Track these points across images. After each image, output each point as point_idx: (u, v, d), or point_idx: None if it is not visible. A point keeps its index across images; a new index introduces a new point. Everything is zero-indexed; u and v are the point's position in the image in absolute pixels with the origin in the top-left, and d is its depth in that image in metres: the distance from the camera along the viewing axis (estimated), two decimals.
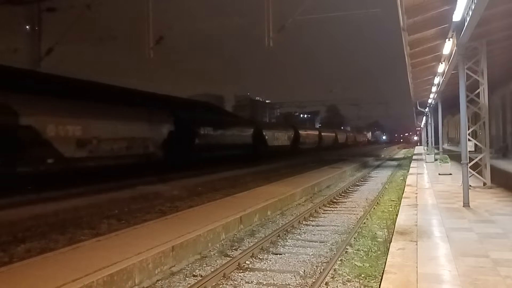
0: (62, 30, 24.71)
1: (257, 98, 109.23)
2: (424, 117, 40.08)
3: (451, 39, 10.58)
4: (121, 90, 24.54)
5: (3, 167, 13.18)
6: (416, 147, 69.84)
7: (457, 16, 8.26)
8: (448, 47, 11.24)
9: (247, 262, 7.04)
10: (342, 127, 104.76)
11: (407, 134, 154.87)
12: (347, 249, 7.61)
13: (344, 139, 74.32)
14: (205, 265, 6.96)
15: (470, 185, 9.93)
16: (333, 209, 12.26)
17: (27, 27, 27.71)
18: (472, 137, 11.63)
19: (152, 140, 20.72)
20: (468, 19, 7.89)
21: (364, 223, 9.88)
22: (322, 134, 57.51)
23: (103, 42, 28.42)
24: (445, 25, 10.19)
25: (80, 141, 16.12)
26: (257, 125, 36.60)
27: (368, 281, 5.91)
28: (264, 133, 35.87)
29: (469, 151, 10.09)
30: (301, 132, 47.30)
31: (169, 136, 21.84)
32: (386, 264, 5.38)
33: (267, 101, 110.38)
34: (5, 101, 13.53)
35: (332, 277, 6.13)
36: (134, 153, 19.22)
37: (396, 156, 47.69)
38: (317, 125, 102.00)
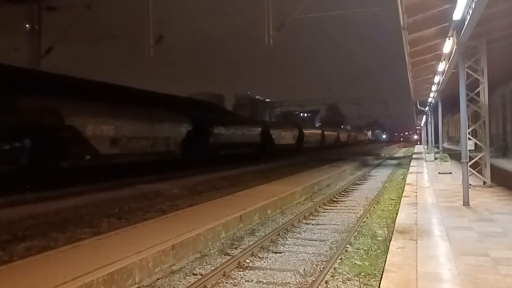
0: (62, 29, 24.71)
1: (257, 97, 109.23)
2: (424, 116, 40.10)
3: (451, 37, 10.58)
4: (140, 92, 26.42)
5: (49, 163, 14.83)
6: (416, 146, 69.89)
7: (457, 15, 8.26)
8: (448, 46, 11.24)
9: (247, 260, 7.05)
10: (342, 126, 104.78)
11: (407, 133, 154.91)
12: (347, 247, 7.61)
13: (345, 138, 75.74)
14: (205, 264, 6.96)
15: (470, 184, 9.94)
16: (333, 208, 12.26)
17: (27, 26, 27.69)
18: (472, 136, 11.63)
19: (173, 139, 22.40)
20: (468, 18, 7.90)
21: (364, 222, 9.88)
22: (325, 133, 58.93)
23: (102, 41, 28.37)
24: (445, 24, 10.18)
25: (113, 139, 17.81)
26: (265, 124, 38.27)
27: (368, 280, 5.91)
28: (271, 132, 37.34)
29: (469, 150, 10.09)
30: (305, 131, 48.64)
31: (187, 135, 23.52)
32: (386, 262, 5.39)
33: (267, 100, 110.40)
34: (53, 104, 15.27)
35: (332, 276, 6.14)
36: (157, 151, 20.93)
37: (396, 155, 47.72)
38: (317, 124, 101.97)
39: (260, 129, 35.67)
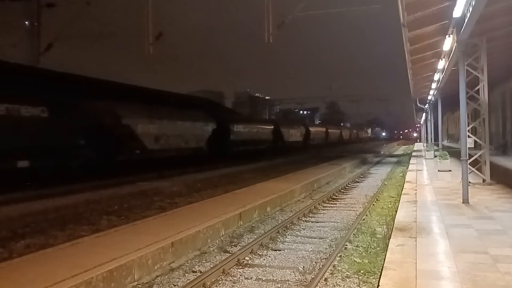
0: (62, 26, 24.66)
1: (257, 94, 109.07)
2: (424, 114, 40.08)
3: (451, 35, 10.56)
4: (171, 94, 30.58)
5: (108, 156, 17.74)
6: (415, 143, 69.91)
7: (457, 13, 8.25)
8: (448, 43, 11.22)
9: (246, 258, 7.05)
10: (342, 124, 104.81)
11: (406, 130, 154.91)
12: (346, 245, 7.62)
13: (348, 135, 78.77)
14: (204, 261, 6.96)
15: (469, 182, 9.93)
16: (332, 205, 12.27)
17: (26, 22, 27.63)
18: (471, 134, 11.62)
19: (201, 137, 25.80)
20: (468, 15, 7.88)
21: (364, 219, 9.89)
22: (329, 131, 61.66)
23: (102, 38, 28.34)
24: (445, 22, 10.17)
25: (156, 137, 20.85)
26: (276, 123, 41.39)
27: (367, 277, 5.92)
28: (281, 130, 40.04)
29: (468, 148, 10.09)
30: (311, 129, 51.51)
31: (212, 133, 26.71)
32: (385, 260, 5.39)
33: (266, 98, 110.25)
34: (112, 107, 18.32)
35: (331, 273, 6.14)
36: (189, 147, 24.21)
37: (396, 153, 47.74)
38: (317, 122, 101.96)
39: (272, 127, 38.68)
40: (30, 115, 14.08)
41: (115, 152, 18.25)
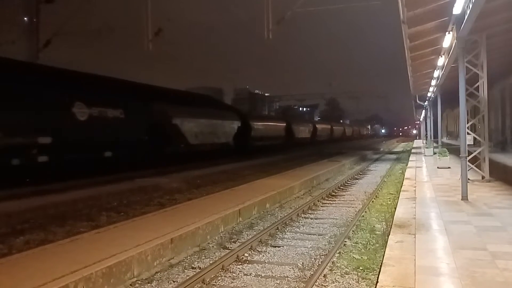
0: (60, 22, 24.61)
1: (256, 91, 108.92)
2: (423, 111, 40.06)
3: (451, 32, 10.54)
4: (200, 96, 35.67)
5: (160, 149, 21.19)
6: (415, 140, 69.94)
7: (457, 9, 8.22)
8: (448, 40, 11.20)
9: (245, 254, 7.06)
10: (341, 121, 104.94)
11: (406, 127, 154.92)
12: (345, 242, 7.63)
13: (350, 132, 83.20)
14: (204, 257, 6.97)
15: (468, 179, 9.94)
16: (331, 202, 12.28)
17: (25, 18, 27.57)
18: (471, 131, 11.63)
19: (229, 133, 29.68)
20: (468, 12, 7.86)
21: (363, 216, 9.90)
22: (333, 128, 65.87)
23: (101, 34, 28.29)
24: (445, 18, 10.15)
25: (196, 133, 24.73)
26: (288, 121, 44.68)
27: (366, 274, 5.93)
28: (292, 128, 43.55)
29: (468, 145, 10.09)
30: (318, 126, 55.64)
31: (237, 130, 30.60)
32: (384, 256, 5.40)
33: (266, 94, 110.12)
34: (165, 109, 22.14)
35: (330, 270, 6.15)
36: (220, 142, 28.10)
37: (395, 150, 47.74)
38: (316, 118, 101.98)
39: (285, 124, 42.19)
40: (112, 116, 17.82)
41: (165, 145, 21.98)
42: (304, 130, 48.56)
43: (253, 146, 32.50)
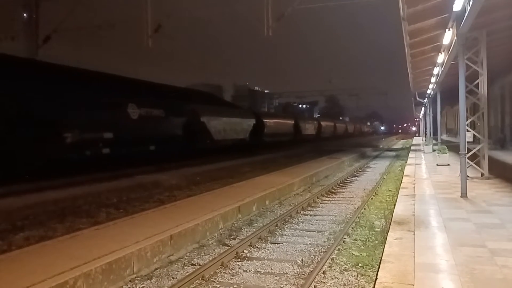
0: (60, 18, 24.53)
1: (256, 88, 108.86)
2: (423, 108, 40.05)
3: (451, 29, 10.53)
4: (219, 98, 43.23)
5: (191, 144, 24.19)
6: (414, 137, 70.00)
7: (457, 6, 8.21)
8: (448, 37, 11.19)
9: (245, 251, 7.07)
10: (341, 118, 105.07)
11: (405, 124, 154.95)
12: (344, 238, 7.64)
13: (352, 129, 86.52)
14: (203, 254, 6.98)
15: (468, 176, 9.95)
16: (331, 199, 12.29)
17: (24, 14, 27.47)
18: (470, 128, 11.63)
19: (246, 130, 32.70)
20: (468, 8, 7.85)
21: (362, 213, 9.91)
22: (336, 125, 69.18)
23: (100, 31, 28.20)
24: (445, 15, 10.14)
25: (220, 130, 27.73)
26: (296, 118, 47.91)
27: (365, 270, 5.94)
28: (299, 124, 46.34)
29: (467, 142, 10.10)
30: (322, 123, 58.51)
31: (253, 127, 33.62)
32: (384, 253, 5.41)
33: (266, 91, 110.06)
34: (195, 108, 25.20)
35: (329, 266, 6.16)
36: (239, 138, 31.24)
37: (395, 147, 47.77)
38: (316, 115, 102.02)
39: (293, 122, 45.09)
40: (156, 115, 20.70)
41: (195, 141, 24.77)
42: (310, 127, 51.54)
43: (266, 142, 35.70)
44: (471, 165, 11.84)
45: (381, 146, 46.77)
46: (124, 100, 18.84)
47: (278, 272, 6.07)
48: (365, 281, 5.54)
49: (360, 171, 19.81)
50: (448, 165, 16.42)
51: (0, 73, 14.26)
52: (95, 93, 17.53)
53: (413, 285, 4.26)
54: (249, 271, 6.10)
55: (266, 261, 6.57)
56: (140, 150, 19.78)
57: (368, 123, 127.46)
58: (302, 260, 6.58)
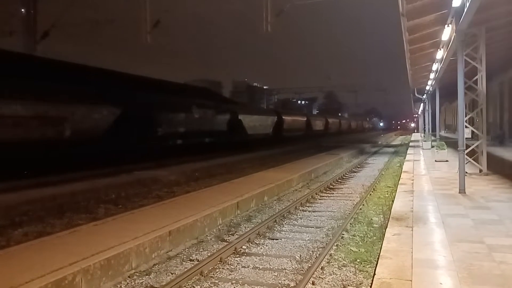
0: (58, 14, 24.43)
1: (255, 84, 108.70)
2: (422, 104, 40.09)
3: (450, 25, 10.51)
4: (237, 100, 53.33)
5: (232, 137, 29.65)
6: (413, 134, 70.05)
7: (456, 2, 8.20)
8: (447, 33, 11.18)
9: (243, 247, 7.09)
10: (340, 114, 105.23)
11: (404, 121, 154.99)
12: (343, 234, 7.65)
13: (355, 125, 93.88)
14: (202, 250, 6.99)
15: (466, 172, 9.97)
16: (329, 195, 12.30)
17: (22, 10, 27.36)
18: (469, 124, 11.64)
19: (270, 126, 38.49)
20: (467, 4, 7.83)
21: (360, 209, 9.93)
22: (341, 121, 77.07)
23: (99, 26, 28.13)
24: (445, 11, 10.12)
25: (252, 126, 33.43)
26: (307, 115, 55.26)
27: (363, 266, 5.96)
28: (311, 121, 52.53)
29: (466, 138, 10.11)
30: (329, 120, 64.82)
31: (275, 123, 39.38)
32: (382, 249, 5.42)
33: (264, 87, 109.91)
34: (234, 108, 31.87)
35: (328, 262, 6.18)
36: (265, 133, 36.98)
37: (393, 143, 47.82)
38: (314, 112, 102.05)
39: (305, 119, 51.12)
40: (209, 114, 27.05)
41: (234, 135, 30.20)
42: (319, 123, 58.07)
43: (285, 137, 40.61)
44: (469, 161, 11.86)
45: (380, 142, 46.80)
46: (190, 103, 25.51)
47: (276, 267, 6.09)
48: (363, 277, 5.56)
49: (358, 167, 19.83)
50: (447, 161, 16.44)
51: (140, 92, 21.69)
52: (173, 98, 24.82)
53: (411, 280, 4.27)
54: (248, 267, 6.12)
55: (264, 256, 6.59)
56: (199, 141, 25.75)
57: (367, 119, 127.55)
58: (300, 256, 6.59)
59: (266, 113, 40.04)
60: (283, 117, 41.32)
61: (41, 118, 14.75)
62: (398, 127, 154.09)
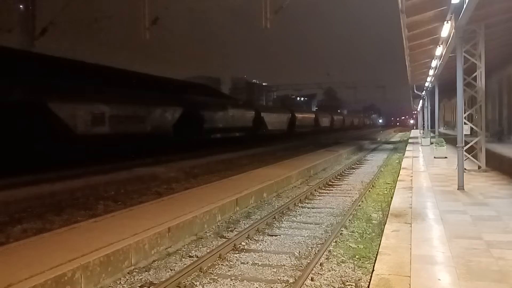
0: (57, 10, 24.34)
1: (254, 80, 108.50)
2: (421, 101, 40.09)
3: (449, 21, 10.49)
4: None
5: (256, 132, 35.02)
6: (412, 130, 70.10)
7: None
8: (446, 29, 11.16)
9: (242, 243, 7.10)
10: (339, 111, 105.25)
11: (403, 117, 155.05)
12: (342, 231, 7.67)
13: (357, 122, 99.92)
14: (201, 246, 7.01)
15: (465, 169, 9.98)
16: (328, 191, 12.32)
17: (21, 6, 27.27)
18: (468, 121, 11.64)
19: (286, 122, 43.50)
20: (466, 1, 7.81)
21: (359, 205, 9.94)
22: (345, 118, 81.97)
23: (97, 23, 28.02)
24: (444, 7, 10.09)
25: (271, 122, 38.67)
26: (316, 112, 63.51)
27: (362, 262, 5.97)
28: (318, 118, 57.28)
29: (464, 135, 10.12)
30: (334, 117, 70.05)
31: (289, 120, 44.57)
32: (380, 245, 5.44)
33: (263, 84, 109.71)
34: (258, 109, 37.33)
35: (326, 258, 6.19)
36: (281, 129, 41.76)
37: (392, 140, 47.84)
38: (314, 109, 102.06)
39: (314, 116, 57.02)
40: (238, 113, 32.43)
41: (258, 130, 35.71)
42: (326, 120, 62.86)
43: (297, 132, 45.38)
44: (468, 158, 11.86)
45: (379, 139, 46.83)
46: (226, 102, 33.04)
47: (275, 264, 6.10)
48: (362, 273, 5.57)
49: (357, 164, 19.84)
50: (446, 158, 16.46)
51: (193, 95, 28.14)
52: (215, 99, 32.40)
53: (410, 276, 4.28)
54: (247, 263, 6.13)
55: (263, 253, 6.60)
56: (232, 136, 31.03)
57: (368, 116, 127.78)
58: (299, 252, 6.60)
59: (282, 111, 45.04)
60: (295, 114, 46.47)
61: (134, 117, 20.00)
62: (397, 123, 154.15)
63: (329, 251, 6.52)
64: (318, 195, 11.67)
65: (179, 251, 6.73)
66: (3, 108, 13.70)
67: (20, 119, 14.19)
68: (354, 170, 17.50)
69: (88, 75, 20.58)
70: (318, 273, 5.64)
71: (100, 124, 17.52)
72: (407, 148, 24.76)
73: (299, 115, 47.53)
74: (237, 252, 6.67)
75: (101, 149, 17.11)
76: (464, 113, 10.18)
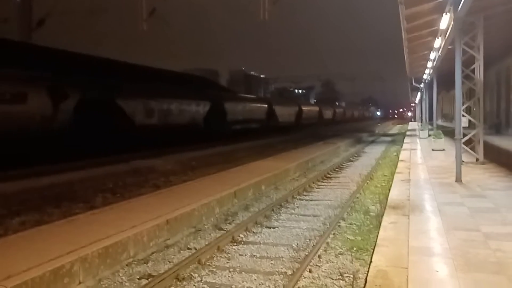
0: (54, 1, 24.18)
1: (252, 72, 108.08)
2: (419, 93, 40.08)
3: (448, 13, 10.46)
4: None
5: (269, 123, 37.27)
6: (410, 123, 70.20)
7: None
8: (445, 21, 11.13)
9: (241, 235, 7.12)
10: (337, 103, 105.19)
11: (401, 110, 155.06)
12: (340, 223, 7.69)
13: (357, 114, 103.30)
14: (199, 238, 7.02)
15: (462, 161, 10.00)
16: (326, 184, 12.34)
17: None
18: (466, 113, 11.65)
19: (293, 115, 45.73)
20: None
21: (357, 197, 9.96)
22: (346, 111, 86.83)
23: (95, 14, 27.86)
24: None
25: (282, 114, 40.66)
26: (319, 106, 64.82)
27: (360, 254, 5.99)
28: (322, 111, 60.10)
29: (462, 127, 10.12)
30: (337, 110, 74.37)
31: (296, 113, 46.58)
32: (378, 237, 5.46)
33: (261, 76, 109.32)
34: (270, 100, 42.35)
35: (324, 250, 6.22)
36: (290, 121, 44.11)
37: (390, 132, 47.86)
38: (312, 101, 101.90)
39: (318, 108, 60.39)
40: (254, 107, 35.50)
41: (270, 122, 37.87)
42: (328, 113, 65.89)
43: (302, 125, 47.68)
44: (466, 150, 11.89)
45: (376, 131, 46.85)
46: (244, 97, 37.61)
47: (273, 256, 6.12)
48: (359, 265, 5.60)
49: (355, 156, 19.87)
50: (443, 150, 16.49)
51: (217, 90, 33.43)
52: (236, 93, 38.41)
53: (407, 268, 4.31)
54: (245, 255, 6.15)
55: (262, 245, 6.62)
56: (252, 127, 33.95)
57: (367, 108, 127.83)
58: (297, 244, 6.63)
59: (291, 104, 47.85)
60: (302, 107, 49.52)
61: (176, 111, 22.69)
62: (395, 116, 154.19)
63: (327, 243, 6.54)
64: (316, 188, 11.69)
65: (178, 243, 6.74)
66: (85, 104, 16.57)
67: (97, 113, 17.03)
68: (352, 163, 17.52)
69: (108, 71, 21.86)
70: (316, 265, 5.66)
71: (151, 116, 20.67)
72: (405, 141, 24.80)
73: (305, 108, 50.89)
74: (235, 244, 6.69)
75: (152, 138, 19.94)
76: (462, 105, 10.18)
